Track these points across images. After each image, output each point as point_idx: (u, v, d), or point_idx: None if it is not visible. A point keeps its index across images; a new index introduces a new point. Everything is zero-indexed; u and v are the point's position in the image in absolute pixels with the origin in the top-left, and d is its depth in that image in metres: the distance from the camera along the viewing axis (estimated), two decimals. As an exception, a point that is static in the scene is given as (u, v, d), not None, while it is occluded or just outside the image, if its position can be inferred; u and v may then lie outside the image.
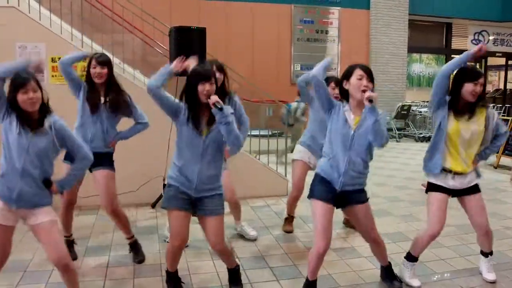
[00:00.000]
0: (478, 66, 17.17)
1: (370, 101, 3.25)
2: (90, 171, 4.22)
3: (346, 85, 3.45)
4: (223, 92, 4.22)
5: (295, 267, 4.27)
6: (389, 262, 3.90)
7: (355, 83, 3.37)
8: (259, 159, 6.91)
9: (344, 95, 3.51)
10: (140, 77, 6.78)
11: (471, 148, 3.69)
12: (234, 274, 3.78)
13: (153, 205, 5.99)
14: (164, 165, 5.60)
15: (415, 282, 3.90)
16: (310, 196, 3.55)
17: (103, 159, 4.23)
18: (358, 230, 3.82)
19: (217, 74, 4.16)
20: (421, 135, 13.18)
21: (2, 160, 3.10)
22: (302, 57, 13.09)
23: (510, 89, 18.37)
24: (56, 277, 3.94)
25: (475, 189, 3.81)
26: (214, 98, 3.22)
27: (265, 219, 5.67)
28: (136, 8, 7.40)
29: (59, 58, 5.65)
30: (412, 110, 13.70)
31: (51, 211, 3.22)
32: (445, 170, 3.71)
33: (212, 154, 3.36)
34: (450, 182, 3.72)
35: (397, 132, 13.19)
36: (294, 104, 9.30)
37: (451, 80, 3.70)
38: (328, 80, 4.82)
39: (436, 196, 3.75)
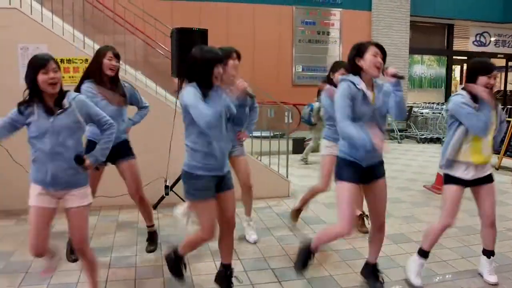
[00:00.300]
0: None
1: (399, 77, 3.31)
2: (113, 163, 4.43)
3: (359, 62, 3.42)
4: None
5: (297, 268, 4.27)
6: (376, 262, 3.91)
7: (370, 59, 3.37)
8: (260, 160, 6.91)
9: (355, 71, 3.47)
10: (142, 78, 6.78)
11: (490, 136, 3.76)
12: (230, 277, 3.71)
13: (155, 207, 5.99)
14: (165, 167, 5.60)
15: (417, 281, 3.90)
16: (338, 178, 3.57)
17: (125, 148, 4.47)
18: (370, 213, 3.78)
19: (237, 62, 4.50)
20: (423, 137, 13.18)
21: (31, 148, 3.12)
22: (303, 59, 13.10)
23: (510, 91, 18.37)
24: (58, 278, 3.95)
25: (490, 179, 3.87)
26: (245, 84, 3.29)
27: (266, 221, 5.67)
28: (138, 10, 7.41)
29: (61, 59, 5.73)
30: (414, 112, 13.71)
31: (88, 193, 3.27)
32: (468, 164, 3.73)
33: (226, 129, 3.44)
34: (472, 173, 3.75)
35: (399, 133, 13.19)
36: (316, 104, 9.39)
37: (464, 74, 3.75)
38: (336, 67, 4.83)
39: (453, 188, 3.77)
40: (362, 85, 3.40)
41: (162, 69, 8.35)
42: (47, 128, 3.05)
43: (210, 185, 3.36)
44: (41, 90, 3.04)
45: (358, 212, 5.21)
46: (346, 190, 3.49)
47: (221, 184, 3.46)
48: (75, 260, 4.27)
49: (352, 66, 3.48)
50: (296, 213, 5.44)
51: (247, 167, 4.85)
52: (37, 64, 3.02)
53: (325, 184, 5.03)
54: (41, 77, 3.00)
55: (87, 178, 3.28)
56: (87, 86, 4.16)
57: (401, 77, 3.35)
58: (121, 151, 4.42)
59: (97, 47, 6.50)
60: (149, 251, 4.62)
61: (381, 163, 3.65)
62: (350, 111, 3.33)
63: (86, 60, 5.87)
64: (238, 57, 4.53)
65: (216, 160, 3.34)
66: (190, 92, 3.18)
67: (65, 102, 3.11)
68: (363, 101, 3.39)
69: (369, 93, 3.42)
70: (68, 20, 6.51)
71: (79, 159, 3.13)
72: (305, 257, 3.76)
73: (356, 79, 3.42)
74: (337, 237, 3.61)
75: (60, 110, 3.08)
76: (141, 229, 5.16)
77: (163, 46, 8.34)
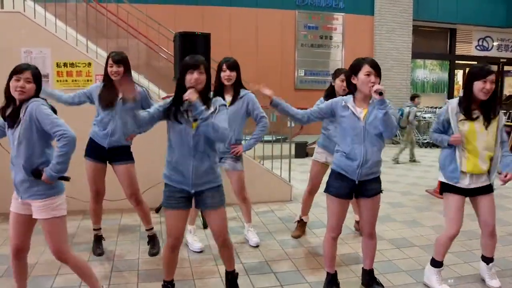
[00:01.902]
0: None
1: (380, 93, 3.30)
2: (110, 163, 4.53)
3: (354, 80, 3.50)
4: (235, 90, 4.57)
5: (299, 272, 4.27)
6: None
7: (363, 79, 3.42)
8: (263, 164, 6.91)
9: (351, 88, 3.56)
10: (144, 82, 6.80)
11: (490, 148, 3.69)
12: (233, 281, 3.68)
13: (157, 210, 5.99)
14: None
15: (444, 287, 3.90)
16: (327, 191, 3.65)
17: (123, 153, 4.51)
18: (361, 221, 3.85)
19: (228, 72, 4.49)
20: (425, 141, 13.17)
21: None
22: (306, 63, 13.12)
23: (507, 95, 18.35)
24: (61, 282, 3.95)
25: (488, 189, 3.83)
26: (187, 94, 3.11)
27: (269, 225, 5.67)
28: (141, 14, 7.44)
29: (64, 63, 5.74)
30: (416, 116, 13.66)
31: (55, 206, 3.12)
32: (462, 172, 3.71)
33: (203, 148, 3.26)
34: (466, 182, 3.72)
35: (401, 138, 13.16)
36: (406, 109, 10.33)
37: (463, 80, 3.76)
38: (336, 74, 4.85)
39: (453, 198, 3.77)
40: (350, 103, 3.51)
41: (164, 73, 8.37)
42: (10, 138, 3.12)
43: (175, 195, 3.32)
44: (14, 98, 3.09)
45: (358, 218, 5.20)
46: (333, 204, 3.65)
47: (198, 200, 3.38)
48: (100, 254, 4.57)
49: (349, 84, 3.61)
50: (301, 226, 5.35)
51: (239, 182, 4.80)
52: (14, 70, 3.07)
53: (312, 184, 5.18)
54: (12, 83, 3.05)
55: (55, 190, 3.14)
56: (95, 85, 4.46)
57: (380, 93, 3.29)
58: (120, 154, 4.50)
59: (100, 51, 6.55)
60: (151, 255, 4.62)
61: (376, 179, 3.66)
62: (314, 110, 3.68)
63: (89, 64, 5.90)
64: (231, 68, 4.51)
65: (184, 176, 3.27)
66: None
67: (22, 110, 3.07)
68: (352, 116, 3.49)
69: (359, 110, 3.50)
70: (72, 24, 6.54)
71: (36, 173, 3.06)
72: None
73: (347, 98, 3.56)
74: (330, 240, 3.72)
75: (18, 120, 3.06)
76: (143, 232, 5.16)
77: (166, 50, 8.36)
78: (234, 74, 4.52)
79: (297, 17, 12.99)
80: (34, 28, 5.82)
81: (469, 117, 3.64)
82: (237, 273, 3.70)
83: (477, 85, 3.57)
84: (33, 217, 3.14)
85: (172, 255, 3.47)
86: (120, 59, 4.33)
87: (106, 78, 4.39)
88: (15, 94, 3.04)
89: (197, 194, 3.35)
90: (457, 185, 3.73)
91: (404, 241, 5.11)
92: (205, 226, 5.38)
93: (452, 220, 3.78)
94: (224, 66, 4.50)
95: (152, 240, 4.77)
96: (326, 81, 12.91)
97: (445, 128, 3.76)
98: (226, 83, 4.50)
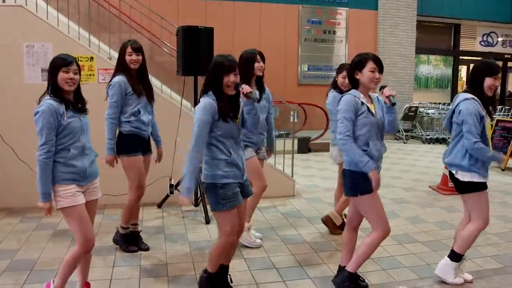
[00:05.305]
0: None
1: (392, 103, 3.45)
2: (143, 154, 4.48)
3: (357, 75, 3.49)
4: (261, 82, 4.61)
5: (301, 268, 4.25)
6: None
7: (368, 75, 3.43)
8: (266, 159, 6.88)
9: (354, 83, 3.54)
10: (147, 77, 6.78)
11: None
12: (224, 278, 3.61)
13: (159, 205, 5.99)
14: (170, 166, 5.59)
15: (458, 280, 3.88)
16: (365, 192, 3.46)
17: (149, 142, 4.57)
18: (353, 218, 3.76)
19: (262, 63, 4.47)
20: (428, 137, 13.11)
21: (64, 147, 3.11)
22: (309, 58, 13.06)
23: (511, 92, 18.31)
24: (62, 276, 3.95)
25: None
26: (247, 88, 3.29)
27: (271, 220, 5.66)
28: (144, 8, 7.41)
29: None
30: (420, 112, 13.63)
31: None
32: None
33: (240, 139, 3.48)
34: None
35: (404, 133, 13.13)
36: None
37: (469, 75, 3.84)
38: (340, 69, 4.84)
39: (485, 194, 3.78)
40: (362, 99, 3.48)
41: (167, 67, 8.36)
42: (80, 125, 3.18)
43: (238, 191, 3.36)
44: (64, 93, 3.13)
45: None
46: (376, 200, 3.51)
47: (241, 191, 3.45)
48: (135, 251, 4.53)
49: (351, 79, 3.56)
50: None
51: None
52: (60, 63, 3.10)
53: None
54: (61, 75, 3.08)
55: None
56: (119, 78, 4.26)
57: (393, 103, 3.46)
58: (149, 144, 4.55)
59: (102, 45, 6.53)
60: (146, 249, 4.59)
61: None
62: (350, 129, 3.41)
63: (91, 58, 5.88)
64: (263, 59, 4.51)
65: (239, 169, 3.37)
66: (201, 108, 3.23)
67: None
68: (369, 114, 3.46)
69: (369, 105, 3.51)
70: (74, 18, 6.52)
71: None
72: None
73: (358, 94, 3.49)
74: (384, 237, 3.57)
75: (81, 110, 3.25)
76: (145, 227, 5.16)
77: (169, 45, 8.33)
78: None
79: (300, 12, 12.93)
80: (36, 22, 5.80)
81: (488, 112, 3.74)
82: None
83: (488, 81, 3.64)
84: (94, 198, 3.36)
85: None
86: (139, 47, 4.32)
87: (123, 67, 4.29)
88: (65, 86, 3.09)
89: (242, 185, 3.46)
90: (486, 180, 3.74)
91: (407, 237, 5.08)
92: (207, 221, 5.37)
93: (485, 213, 3.77)
94: (258, 57, 4.45)
95: (136, 237, 4.69)
96: (329, 76, 12.87)
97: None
98: (259, 74, 4.47)
